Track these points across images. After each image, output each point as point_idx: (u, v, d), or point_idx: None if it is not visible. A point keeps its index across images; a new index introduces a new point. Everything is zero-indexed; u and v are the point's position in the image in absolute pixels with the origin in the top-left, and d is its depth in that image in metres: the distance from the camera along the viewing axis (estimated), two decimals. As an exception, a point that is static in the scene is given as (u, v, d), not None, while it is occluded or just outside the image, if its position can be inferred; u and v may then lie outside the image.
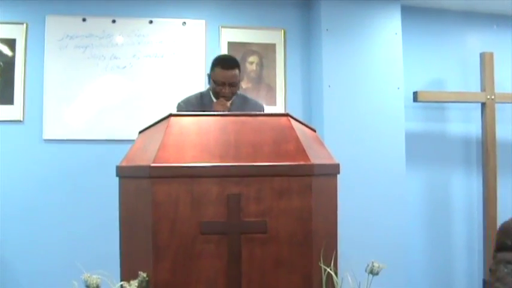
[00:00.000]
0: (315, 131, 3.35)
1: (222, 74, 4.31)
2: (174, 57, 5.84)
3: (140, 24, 5.99)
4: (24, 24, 5.88)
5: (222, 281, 2.74)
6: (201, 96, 4.51)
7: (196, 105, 4.40)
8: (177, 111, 4.40)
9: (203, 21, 6.10)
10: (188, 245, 2.73)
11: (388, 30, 6.13)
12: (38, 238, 5.81)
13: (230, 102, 4.35)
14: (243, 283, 2.74)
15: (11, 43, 5.87)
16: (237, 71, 4.35)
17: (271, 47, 6.22)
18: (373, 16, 6.12)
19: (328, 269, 2.73)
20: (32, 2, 5.91)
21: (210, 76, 4.44)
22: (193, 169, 2.75)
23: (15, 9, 5.90)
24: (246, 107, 4.41)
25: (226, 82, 4.29)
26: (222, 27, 6.13)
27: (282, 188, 2.77)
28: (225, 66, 4.34)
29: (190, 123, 3.00)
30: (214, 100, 4.37)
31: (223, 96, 4.30)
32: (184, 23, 6.05)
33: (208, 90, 4.52)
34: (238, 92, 4.54)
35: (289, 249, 2.76)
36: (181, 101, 4.53)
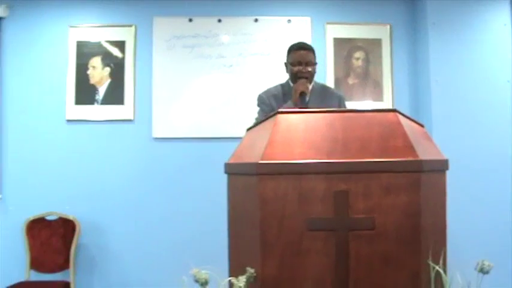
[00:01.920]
0: (423, 126, 3.28)
1: (297, 54, 4.30)
2: (280, 55, 5.86)
3: (246, 23, 6.05)
4: (133, 27, 6.04)
5: (329, 278, 2.72)
6: (282, 86, 4.49)
7: (277, 94, 4.39)
8: (259, 103, 4.43)
9: (308, 18, 6.10)
10: (295, 242, 2.73)
11: (497, 21, 5.96)
12: (147, 234, 5.96)
13: (310, 87, 4.31)
14: (350, 280, 2.71)
15: (120, 45, 6.03)
16: (310, 51, 4.33)
17: (377, 43, 6.16)
18: (481, 7, 5.96)
19: (437, 267, 2.68)
20: (140, 5, 6.06)
21: (286, 65, 4.43)
22: (300, 166, 2.74)
23: (124, 12, 6.07)
24: (325, 95, 4.36)
25: (302, 61, 4.27)
26: (327, 23, 6.11)
27: (390, 184, 2.72)
28: (299, 47, 4.34)
29: (297, 120, 2.98)
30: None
31: (302, 77, 4.28)
32: (290, 20, 6.06)
33: (287, 81, 4.49)
34: (318, 81, 4.50)
35: (397, 246, 2.72)
36: (262, 92, 4.52)
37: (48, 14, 6.09)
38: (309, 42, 5.81)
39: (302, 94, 4.11)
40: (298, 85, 4.17)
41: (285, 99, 4.23)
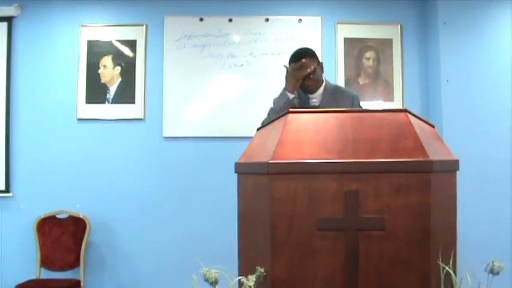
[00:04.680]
0: (433, 126, 3.27)
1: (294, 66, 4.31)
2: (290, 54, 5.88)
3: (256, 23, 6.05)
4: (144, 26, 6.06)
5: (339, 278, 2.72)
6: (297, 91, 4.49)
7: None
8: (272, 107, 4.42)
9: (319, 18, 6.10)
10: (305, 241, 2.73)
11: (508, 21, 5.93)
12: (157, 233, 5.98)
13: (322, 89, 4.31)
14: (360, 280, 2.71)
15: (131, 44, 6.05)
16: (309, 58, 4.30)
17: (387, 42, 6.15)
18: (492, 6, 5.93)
19: (447, 268, 2.67)
20: (151, 4, 6.08)
21: None
22: (311, 165, 2.74)
23: (135, 12, 6.09)
24: (338, 96, 4.33)
25: None
26: (338, 23, 6.11)
27: (400, 184, 2.72)
28: (297, 57, 4.31)
29: (308, 120, 2.98)
30: (304, 93, 4.35)
31: (307, 87, 4.29)
32: (300, 20, 6.07)
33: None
34: (330, 82, 4.49)
35: (407, 246, 2.71)
36: (276, 98, 4.54)
37: (60, 13, 6.11)
38: (319, 42, 5.86)
39: (307, 77, 4.18)
40: (296, 73, 4.20)
41: (299, 102, 4.22)
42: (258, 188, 2.89)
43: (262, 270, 2.69)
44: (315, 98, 4.28)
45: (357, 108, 3.95)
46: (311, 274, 2.73)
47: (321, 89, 4.31)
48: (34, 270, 5.69)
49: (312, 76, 4.25)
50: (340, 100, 4.25)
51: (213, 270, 2.61)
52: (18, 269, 5.82)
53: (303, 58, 4.27)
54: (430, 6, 6.05)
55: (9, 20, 6.09)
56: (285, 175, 2.74)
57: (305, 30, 6.05)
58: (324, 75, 4.42)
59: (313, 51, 4.37)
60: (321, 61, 4.38)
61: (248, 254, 3.06)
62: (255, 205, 2.94)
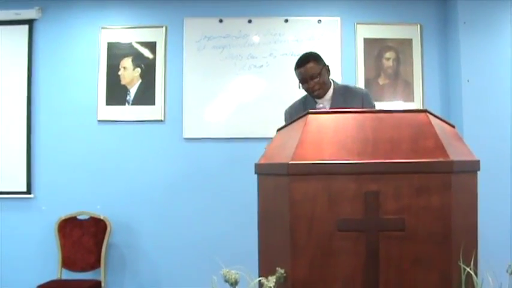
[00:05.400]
0: (454, 127, 3.26)
1: (299, 72, 4.31)
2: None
3: (276, 23, 6.05)
4: (164, 27, 6.08)
5: (359, 279, 2.72)
6: (305, 98, 4.49)
7: (300, 108, 4.38)
8: (284, 118, 4.47)
9: (338, 19, 6.08)
10: (325, 242, 2.73)
11: (529, 20, 5.90)
12: (177, 234, 6.00)
13: (331, 92, 4.32)
14: (380, 281, 2.70)
15: (151, 46, 6.07)
16: (310, 63, 4.28)
17: (407, 42, 6.13)
18: (512, 6, 5.90)
19: (468, 269, 2.66)
20: (170, 6, 6.10)
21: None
22: (330, 166, 2.74)
23: (155, 13, 6.11)
24: (347, 97, 4.33)
25: (305, 77, 4.27)
26: (357, 23, 6.09)
27: (421, 185, 2.71)
28: (298, 64, 4.32)
29: (327, 120, 2.98)
30: (314, 99, 4.36)
31: (314, 92, 4.29)
32: (320, 20, 6.06)
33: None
34: (339, 83, 4.48)
35: (428, 247, 2.70)
36: (287, 108, 4.55)
37: (80, 15, 6.15)
38: (338, 42, 5.85)
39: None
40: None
41: (305, 110, 4.22)
42: (278, 189, 2.90)
43: (282, 271, 2.69)
44: (322, 104, 4.28)
45: (376, 109, 3.94)
46: (331, 275, 2.73)
47: (330, 92, 4.32)
48: (55, 271, 5.72)
49: (318, 80, 4.26)
50: (349, 100, 4.26)
51: (233, 271, 2.62)
52: (40, 269, 5.86)
53: (308, 63, 4.28)
54: (450, 6, 6.02)
55: (30, 22, 6.14)
56: (305, 176, 2.74)
57: (324, 31, 6.04)
58: (331, 77, 4.43)
59: (318, 55, 4.37)
60: (326, 64, 4.38)
61: (268, 255, 3.06)
62: (275, 206, 2.94)
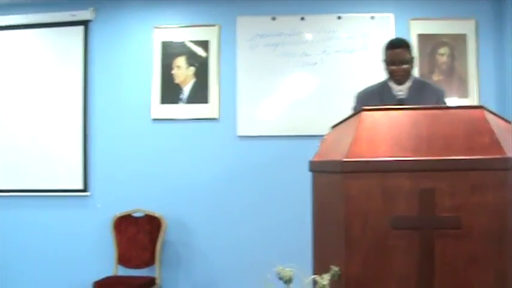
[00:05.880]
0: (510, 123, 3.22)
1: (390, 52, 4.28)
2: (363, 52, 5.83)
3: (329, 21, 6.03)
4: (217, 26, 6.11)
5: (414, 277, 2.70)
6: (381, 85, 4.46)
7: (374, 93, 4.37)
8: (354, 101, 4.45)
9: (392, 15, 6.04)
10: (380, 240, 2.72)
11: None
12: (231, 231, 6.03)
13: (409, 84, 4.29)
14: (435, 280, 2.68)
15: (204, 45, 6.11)
16: (404, 48, 4.29)
17: (462, 38, 6.05)
18: None
19: (526, 268, 2.63)
20: (223, 5, 6.13)
21: (383, 62, 4.41)
22: (385, 163, 2.73)
23: (208, 12, 6.15)
24: (424, 91, 4.31)
25: (395, 60, 4.24)
26: (411, 19, 6.03)
27: (476, 182, 2.68)
28: (392, 45, 4.29)
29: (382, 117, 2.98)
30: (391, 84, 4.33)
31: (397, 76, 4.26)
32: (373, 17, 6.02)
33: (385, 80, 4.46)
34: (418, 77, 4.46)
35: (484, 246, 2.67)
36: (360, 91, 4.52)
37: (133, 15, 6.23)
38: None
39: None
40: None
41: (382, 99, 4.19)
42: (332, 186, 2.90)
43: (337, 269, 2.69)
44: (402, 91, 4.26)
45: (430, 105, 3.90)
46: (386, 273, 2.72)
47: (409, 83, 4.29)
48: (111, 268, 5.82)
49: (406, 67, 4.25)
50: (426, 95, 4.25)
51: (287, 269, 2.62)
52: (96, 266, 5.96)
53: (403, 47, 4.28)
54: (506, 1, 5.92)
55: (85, 23, 6.24)
56: (359, 173, 2.74)
57: (378, 28, 6.00)
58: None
59: (409, 43, 4.37)
60: (414, 55, 4.37)
61: (322, 252, 3.07)
62: (329, 203, 2.95)
